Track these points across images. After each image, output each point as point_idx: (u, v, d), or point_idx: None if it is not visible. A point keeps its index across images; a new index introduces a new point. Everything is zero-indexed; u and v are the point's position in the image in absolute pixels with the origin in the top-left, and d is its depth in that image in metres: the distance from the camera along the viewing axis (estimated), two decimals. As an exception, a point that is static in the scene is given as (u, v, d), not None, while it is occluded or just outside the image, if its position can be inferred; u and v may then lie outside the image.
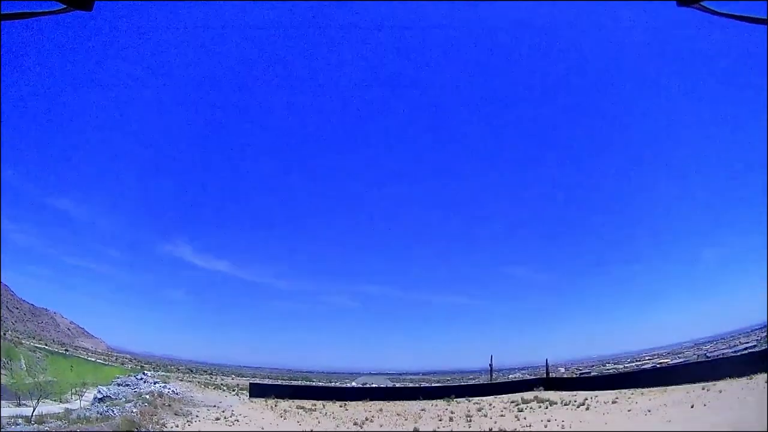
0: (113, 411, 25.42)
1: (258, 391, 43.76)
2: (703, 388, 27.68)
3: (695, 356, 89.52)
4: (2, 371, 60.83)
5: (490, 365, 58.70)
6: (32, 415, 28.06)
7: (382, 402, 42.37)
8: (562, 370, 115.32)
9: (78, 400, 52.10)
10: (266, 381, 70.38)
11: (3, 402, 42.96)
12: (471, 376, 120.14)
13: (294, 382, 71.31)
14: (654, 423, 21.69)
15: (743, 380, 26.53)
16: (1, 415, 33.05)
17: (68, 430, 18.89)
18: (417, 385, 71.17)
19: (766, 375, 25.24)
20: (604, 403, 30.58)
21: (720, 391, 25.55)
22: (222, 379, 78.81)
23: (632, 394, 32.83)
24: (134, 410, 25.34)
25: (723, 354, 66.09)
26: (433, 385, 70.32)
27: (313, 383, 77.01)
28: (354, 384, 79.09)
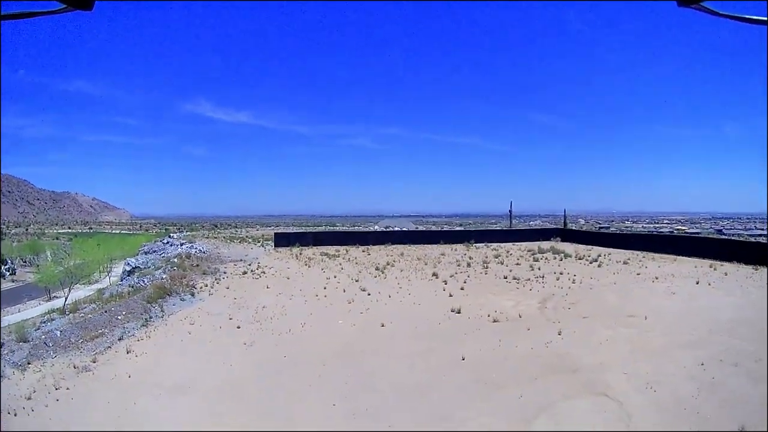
0: (144, 281, 25.55)
1: (282, 240, 45.16)
2: (710, 266, 28.48)
3: (711, 229, 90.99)
4: (28, 269, 60.26)
5: (509, 211, 60.36)
6: (65, 305, 27.63)
7: (403, 246, 44.35)
8: (582, 221, 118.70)
9: (107, 278, 53.15)
10: (291, 229, 71.43)
11: (34, 301, 43.19)
12: (492, 221, 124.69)
13: (318, 228, 72.31)
14: (659, 291, 22.49)
15: (749, 268, 27.00)
16: (35, 312, 33.48)
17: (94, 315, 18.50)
18: (439, 228, 74.06)
19: None
20: (617, 262, 31.68)
21: (726, 274, 26.15)
22: (247, 231, 78.84)
23: (644, 257, 33.71)
24: (164, 276, 25.56)
25: (738, 234, 66.77)
26: (454, 228, 72.60)
27: (337, 228, 78.96)
28: (377, 227, 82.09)
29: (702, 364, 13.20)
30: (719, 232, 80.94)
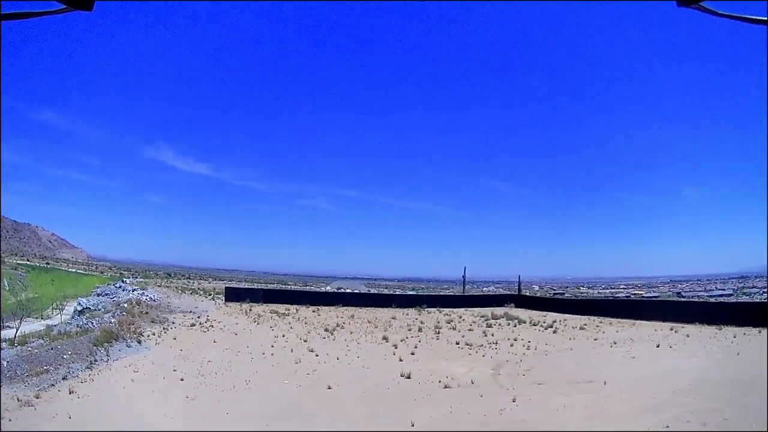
0: (92, 323, 25.44)
1: (233, 295, 45.00)
2: (671, 329, 28.45)
3: (670, 293, 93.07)
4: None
5: (463, 277, 60.42)
6: (15, 337, 28.24)
7: (354, 308, 43.48)
8: (537, 287, 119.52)
9: (59, 315, 51.73)
10: (243, 284, 72.46)
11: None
12: (445, 286, 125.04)
13: (270, 286, 72.46)
14: (618, 356, 22.03)
15: (712, 329, 27.10)
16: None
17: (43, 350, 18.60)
18: (392, 292, 73.43)
19: (736, 328, 25.82)
20: (572, 327, 31.49)
21: (687, 335, 26.05)
22: (199, 283, 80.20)
23: (601, 322, 33.80)
24: (112, 320, 25.54)
25: (698, 296, 68.22)
26: (407, 292, 72.70)
27: (289, 286, 79.41)
28: (329, 288, 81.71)
29: (667, 426, 12.39)
30: (678, 294, 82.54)
